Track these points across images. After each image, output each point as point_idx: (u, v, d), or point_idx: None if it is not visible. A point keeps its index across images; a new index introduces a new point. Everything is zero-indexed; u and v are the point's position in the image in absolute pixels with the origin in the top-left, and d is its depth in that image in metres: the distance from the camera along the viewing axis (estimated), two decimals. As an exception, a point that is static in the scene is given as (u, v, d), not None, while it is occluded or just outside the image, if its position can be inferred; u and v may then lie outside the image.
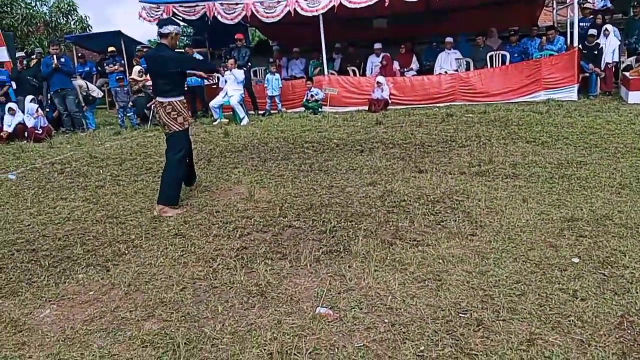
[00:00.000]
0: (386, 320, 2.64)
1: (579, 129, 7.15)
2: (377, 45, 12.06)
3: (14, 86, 10.80)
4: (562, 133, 6.92)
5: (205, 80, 8.18)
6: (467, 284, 2.95)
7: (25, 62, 12.72)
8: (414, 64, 12.09)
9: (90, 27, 21.71)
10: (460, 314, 2.65)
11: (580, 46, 10.20)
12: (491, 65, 11.21)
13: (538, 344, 2.36)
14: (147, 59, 5.14)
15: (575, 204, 4.16)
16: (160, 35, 4.86)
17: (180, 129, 4.81)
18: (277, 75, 11.36)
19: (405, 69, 11.85)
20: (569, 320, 2.54)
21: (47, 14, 20.34)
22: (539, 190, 4.57)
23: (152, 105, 10.46)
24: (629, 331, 2.44)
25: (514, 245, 3.45)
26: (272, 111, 11.25)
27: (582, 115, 8.16)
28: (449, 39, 11.56)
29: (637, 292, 2.76)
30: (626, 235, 3.50)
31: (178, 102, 4.80)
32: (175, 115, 4.78)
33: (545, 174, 5.06)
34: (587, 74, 10.41)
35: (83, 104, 10.57)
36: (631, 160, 5.38)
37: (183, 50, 11.40)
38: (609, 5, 12.02)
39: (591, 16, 11.60)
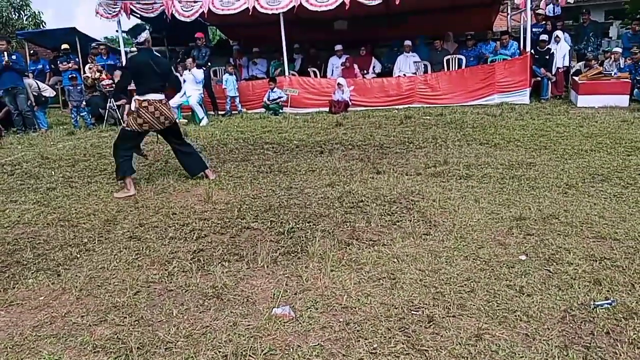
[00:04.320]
0: (341, 320, 2.68)
1: (530, 131, 7.42)
2: (338, 47, 12.17)
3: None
4: (514, 135, 7.16)
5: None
6: (420, 282, 3.03)
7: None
8: (377, 66, 12.25)
9: (43, 23, 21.02)
10: (412, 312, 2.72)
11: (532, 51, 10.57)
12: (448, 69, 11.48)
13: (485, 338, 2.45)
14: (140, 63, 5.19)
15: (524, 204, 4.33)
16: (139, 44, 5.26)
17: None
18: (234, 77, 11.28)
19: (365, 71, 11.99)
20: (515, 315, 2.64)
21: (-2, 9, 19.58)
22: (490, 191, 4.72)
23: (113, 105, 10.26)
24: (571, 325, 2.56)
25: (465, 243, 3.56)
26: (232, 112, 11.17)
27: (533, 118, 8.47)
28: (407, 42, 11.76)
29: (579, 288, 2.90)
30: (571, 234, 3.67)
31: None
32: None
33: (497, 174, 5.24)
34: (539, 78, 10.80)
35: (34, 104, 10.20)
36: (578, 162, 5.62)
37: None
38: (560, 12, 12.51)
39: (543, 22, 12.05)
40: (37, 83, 10.62)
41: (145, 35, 5.25)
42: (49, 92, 10.88)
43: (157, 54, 5.57)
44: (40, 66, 14.22)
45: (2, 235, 4.20)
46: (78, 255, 3.69)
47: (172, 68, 5.88)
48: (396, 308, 2.75)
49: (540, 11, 12.45)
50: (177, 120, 10.12)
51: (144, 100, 5.23)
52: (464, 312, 2.69)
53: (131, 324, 2.74)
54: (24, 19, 20.39)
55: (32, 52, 14.98)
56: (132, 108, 5.29)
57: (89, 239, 4.00)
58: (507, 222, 3.94)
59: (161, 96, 5.35)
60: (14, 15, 20.10)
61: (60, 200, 5.11)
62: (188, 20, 11.13)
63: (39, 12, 20.47)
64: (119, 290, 3.13)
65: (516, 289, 2.91)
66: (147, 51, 5.36)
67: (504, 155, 6.08)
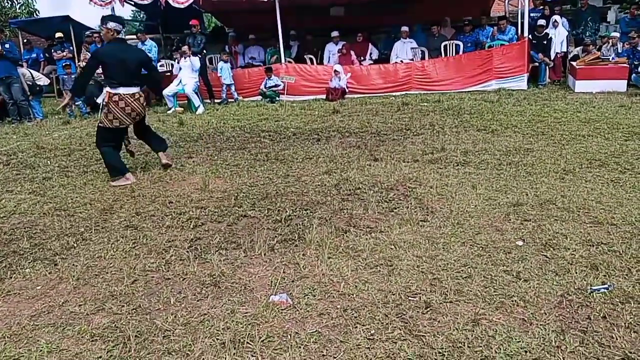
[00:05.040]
0: (338, 306, 2.69)
1: (527, 117, 7.40)
2: (335, 33, 12.08)
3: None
4: (512, 121, 7.15)
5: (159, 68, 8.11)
6: (417, 269, 3.03)
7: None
8: (374, 53, 12.17)
9: (37, 12, 20.80)
10: (409, 298, 2.72)
11: (530, 36, 10.51)
12: (445, 55, 11.41)
13: (482, 323, 2.46)
14: (106, 55, 5.09)
15: (521, 190, 4.32)
16: (118, 32, 5.17)
17: None
18: (229, 64, 11.19)
19: (362, 58, 11.92)
20: (512, 301, 2.65)
21: (-10, -3, 19.37)
22: (487, 177, 4.72)
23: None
24: (568, 309, 2.57)
25: (462, 230, 3.56)
26: (228, 100, 11.11)
27: (531, 104, 8.45)
28: (404, 28, 11.68)
29: (576, 273, 2.90)
30: (568, 219, 3.67)
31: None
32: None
33: (494, 161, 5.23)
34: (537, 64, 10.76)
35: (29, 94, 10.13)
36: (575, 147, 5.61)
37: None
38: (559, -4, 12.43)
39: (541, 7, 11.96)
40: (31, 72, 10.52)
41: (112, 25, 5.09)
42: (43, 81, 10.80)
43: (132, 46, 5.45)
44: (34, 55, 14.11)
45: (-2, 225, 4.19)
46: (75, 245, 3.68)
47: (152, 64, 5.73)
48: (393, 294, 2.76)
49: (538, -5, 12.34)
50: (174, 109, 10.11)
51: (115, 94, 5.07)
52: (461, 297, 2.69)
53: (129, 312, 2.74)
54: (17, 7, 20.18)
55: (25, 40, 14.84)
56: (103, 102, 5.15)
57: (86, 228, 3.99)
58: (504, 208, 3.93)
59: (134, 90, 5.18)
60: (6, 4, 19.89)
61: (57, 190, 5.08)
62: (182, 6, 11.01)
63: (31, 0, 20.23)
64: (116, 279, 3.12)
65: (513, 275, 2.91)
66: (118, 42, 5.21)
67: (502, 141, 6.07)
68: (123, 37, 5.31)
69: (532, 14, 11.26)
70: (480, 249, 3.25)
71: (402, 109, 8.77)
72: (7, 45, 9.82)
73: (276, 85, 10.94)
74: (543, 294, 2.71)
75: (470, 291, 2.75)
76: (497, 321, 2.48)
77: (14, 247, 3.73)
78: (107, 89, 5.14)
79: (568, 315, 2.52)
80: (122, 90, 5.10)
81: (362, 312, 2.62)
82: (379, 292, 2.80)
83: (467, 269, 3.00)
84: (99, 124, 5.27)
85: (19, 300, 2.96)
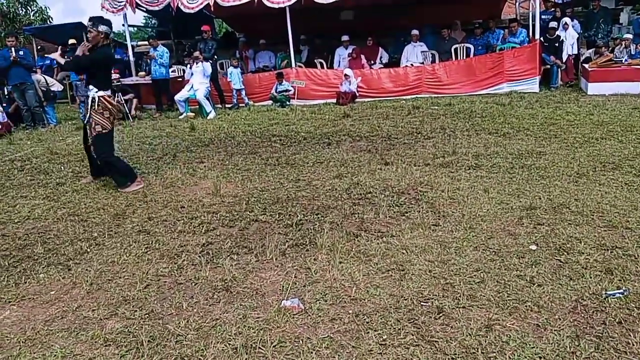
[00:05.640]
0: (350, 311, 2.68)
1: (539, 120, 7.35)
2: (345, 37, 12.10)
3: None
4: (524, 124, 7.10)
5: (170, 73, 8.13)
6: (429, 273, 3.01)
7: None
8: (384, 56, 12.17)
9: (50, 19, 21.06)
10: (422, 303, 2.71)
11: (541, 39, 10.44)
12: (456, 58, 11.37)
13: (496, 329, 2.44)
14: (108, 57, 5.27)
15: (534, 193, 4.29)
16: (107, 36, 5.19)
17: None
18: (239, 69, 11.25)
19: (372, 62, 11.91)
20: (526, 306, 2.62)
21: (5, 4, 19.62)
22: (499, 180, 4.69)
23: (121, 99, 10.29)
24: (583, 315, 2.54)
25: (474, 234, 3.53)
26: (239, 105, 11.16)
27: (543, 107, 8.39)
28: (414, 32, 11.67)
29: (591, 277, 2.87)
30: (582, 223, 3.63)
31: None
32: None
33: (506, 164, 5.20)
34: (549, 66, 10.68)
35: (43, 100, 10.25)
36: (589, 150, 5.56)
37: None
38: (570, -2, 12.35)
39: (553, 9, 11.89)
40: (45, 78, 10.66)
41: (104, 28, 5.09)
42: (56, 87, 10.94)
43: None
44: (47, 61, 14.27)
45: (13, 231, 4.24)
46: (88, 250, 3.72)
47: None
48: (405, 299, 2.75)
49: (549, -3, 12.27)
50: (186, 114, 10.18)
51: (109, 96, 5.23)
52: (473, 303, 2.68)
53: (141, 317, 2.76)
54: (31, 14, 20.44)
55: (39, 47, 15.05)
56: (101, 107, 5.12)
57: (99, 233, 4.03)
58: (517, 212, 3.90)
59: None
60: (21, 11, 20.16)
61: (70, 195, 5.14)
62: (192, 12, 11.10)
63: (45, 7, 20.54)
64: (129, 284, 3.14)
65: (527, 279, 2.89)
66: (108, 47, 5.33)
67: (514, 144, 6.03)
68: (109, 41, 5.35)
69: (543, 16, 11.19)
70: (493, 253, 3.23)
71: (412, 113, 8.75)
72: (21, 52, 9.95)
73: (287, 90, 10.97)
74: (557, 299, 2.68)
75: (483, 296, 2.73)
76: (511, 326, 2.46)
77: (28, 252, 3.77)
78: (103, 92, 5.13)
79: (583, 321, 2.49)
80: (109, 92, 5.28)
81: (374, 317, 2.61)
82: (390, 297, 2.79)
83: (480, 273, 2.98)
84: (102, 132, 5.14)
85: (34, 305, 2.99)
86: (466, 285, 2.85)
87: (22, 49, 10.49)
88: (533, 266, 3.04)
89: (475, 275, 2.96)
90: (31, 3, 20.32)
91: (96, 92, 5.10)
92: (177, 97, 10.54)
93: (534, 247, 3.31)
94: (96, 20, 5.13)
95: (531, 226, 3.63)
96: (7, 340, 2.64)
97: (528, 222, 3.70)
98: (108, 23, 5.21)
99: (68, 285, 3.19)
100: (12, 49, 9.81)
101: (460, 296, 2.74)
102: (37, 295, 3.10)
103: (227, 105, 11.18)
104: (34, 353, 2.51)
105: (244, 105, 11.21)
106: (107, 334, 2.61)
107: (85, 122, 5.26)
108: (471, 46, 11.40)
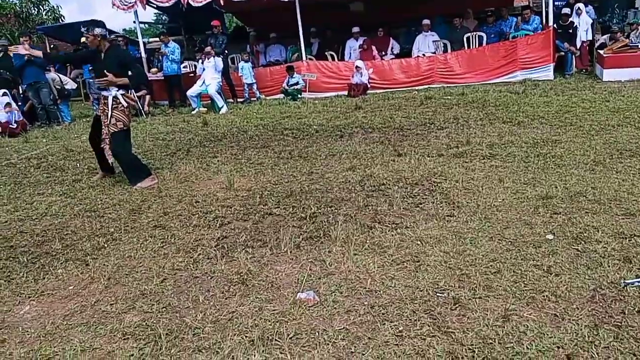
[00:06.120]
0: (365, 303, 2.68)
1: (554, 107, 7.25)
2: (355, 29, 12.04)
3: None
4: (538, 112, 7.01)
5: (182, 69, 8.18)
6: (444, 264, 3.00)
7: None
8: (395, 47, 12.09)
9: (62, 18, 21.24)
10: (437, 294, 2.70)
11: (555, 25, 10.29)
12: (468, 47, 11.25)
13: (513, 319, 2.42)
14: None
15: (550, 182, 4.24)
16: (104, 37, 5.22)
17: None
18: (250, 64, 11.26)
19: (383, 53, 11.84)
20: (543, 296, 2.60)
21: (18, 4, 19.82)
22: (514, 170, 4.64)
23: (134, 95, 10.36)
24: (601, 304, 2.51)
25: (490, 224, 3.51)
26: (251, 99, 11.18)
27: (558, 94, 8.28)
28: (426, 22, 11.57)
29: (609, 266, 2.83)
30: (599, 211, 3.58)
31: None
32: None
33: (521, 153, 5.14)
34: (563, 53, 10.52)
35: (57, 98, 10.36)
36: (605, 137, 5.48)
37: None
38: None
39: (567, -5, 11.69)
40: (60, 77, 10.76)
41: (99, 30, 5.13)
42: (70, 85, 11.04)
43: None
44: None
45: (31, 227, 4.30)
46: (105, 245, 3.76)
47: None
48: (421, 290, 2.74)
49: (563, -17, 12.06)
50: (198, 109, 10.23)
51: (126, 95, 5.30)
52: (490, 293, 2.66)
53: (159, 310, 2.79)
54: (43, 13, 20.62)
55: (52, 46, 15.20)
56: (123, 104, 5.19)
57: (115, 229, 4.07)
58: (532, 201, 3.86)
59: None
60: (33, 11, 20.34)
61: (86, 192, 5.19)
62: (200, 5, 11.08)
63: (57, 6, 20.71)
64: (146, 278, 3.17)
65: (544, 269, 2.86)
66: (116, 46, 5.49)
67: (528, 133, 5.96)
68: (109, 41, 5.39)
69: (556, 3, 11.02)
70: (509, 243, 3.20)
71: (425, 103, 8.69)
72: (35, 51, 10.04)
73: (297, 83, 10.96)
74: (575, 288, 2.65)
75: (500, 286, 2.71)
76: (528, 317, 2.44)
77: (47, 248, 3.82)
78: (122, 91, 5.21)
79: (601, 310, 2.46)
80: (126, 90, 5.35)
81: (389, 308, 2.60)
82: (406, 288, 2.78)
83: (496, 263, 2.95)
84: (121, 129, 5.21)
85: (53, 300, 3.04)
86: (482, 275, 2.83)
87: (36, 48, 10.59)
88: (550, 256, 3.01)
89: (491, 266, 2.93)
90: (43, 2, 20.48)
91: (117, 90, 5.16)
92: (189, 92, 10.58)
93: (550, 236, 3.27)
94: (90, 25, 5.20)
95: (547, 215, 3.59)
96: (28, 334, 2.69)
97: (544, 212, 3.66)
98: (101, 25, 5.28)
99: (86, 280, 3.23)
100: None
101: (476, 287, 2.72)
102: (56, 291, 3.15)
103: (238, 100, 11.21)
104: (54, 347, 2.55)
105: (255, 99, 11.23)
106: (125, 327, 2.65)
107: (103, 120, 5.26)
108: (484, 34, 11.27)
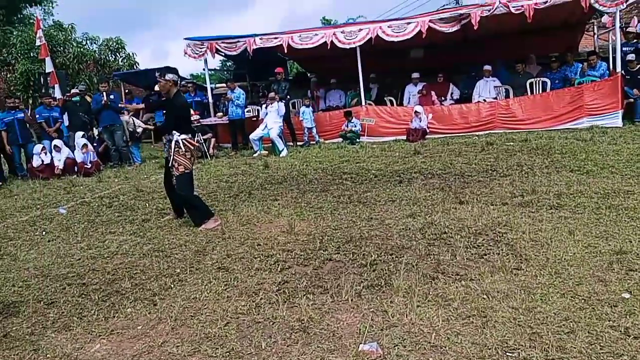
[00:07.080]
0: (431, 359, 2.61)
1: (624, 156, 6.95)
2: (415, 75, 12.16)
3: (66, 122, 11.29)
4: (608, 161, 6.74)
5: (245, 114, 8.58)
6: (513, 321, 2.89)
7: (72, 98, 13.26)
8: (455, 92, 12.07)
9: (137, 64, 22.66)
10: (507, 353, 2.59)
11: (623, 71, 9.98)
12: (531, 93, 11.06)
13: (590, 386, 2.29)
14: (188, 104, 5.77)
15: (624, 236, 4.03)
16: (175, 83, 5.57)
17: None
18: (310, 108, 11.56)
19: (443, 98, 11.84)
20: (622, 360, 2.45)
21: (97, 52, 21.35)
22: (585, 222, 4.45)
23: (200, 139, 10.83)
24: (688, 373, 2.33)
25: (561, 280, 3.36)
26: (310, 142, 11.41)
27: (628, 142, 7.94)
28: (487, 67, 11.50)
29: (695, 331, 2.64)
30: (681, 269, 3.36)
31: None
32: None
33: (592, 204, 4.93)
34: (632, 100, 10.14)
35: (129, 140, 10.99)
36: (683, 189, 5.18)
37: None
38: (653, 28, 11.77)
39: (635, 40, 11.36)
40: (133, 120, 11.43)
41: (171, 76, 5.52)
42: (142, 129, 11.69)
43: None
44: (134, 104, 15.31)
45: (102, 265, 4.51)
46: (172, 285, 3.88)
47: None
48: (489, 349, 2.64)
49: (630, 29, 11.77)
50: (259, 152, 10.54)
51: (190, 138, 5.54)
52: (564, 355, 2.52)
53: (223, 355, 2.82)
54: (120, 60, 22.08)
55: (127, 90, 16.21)
56: (183, 149, 5.42)
57: (181, 270, 4.20)
58: (606, 256, 3.68)
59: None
60: (110, 58, 21.84)
61: (155, 232, 5.41)
62: (266, 45, 11.54)
63: (133, 53, 22.09)
64: (210, 321, 3.24)
65: (621, 330, 2.70)
66: (181, 94, 5.80)
67: (598, 182, 5.72)
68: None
69: (624, 48, 10.70)
70: (582, 301, 3.05)
71: (486, 149, 8.56)
72: (112, 96, 10.78)
73: (356, 127, 11.11)
74: (658, 354, 2.48)
75: (574, 348, 2.57)
76: (607, 383, 2.30)
77: (117, 286, 3.99)
78: (185, 135, 5.45)
79: (689, 380, 2.28)
80: (190, 135, 5.60)
81: (455, 365, 2.52)
82: (473, 345, 2.69)
83: (569, 323, 2.81)
84: (184, 172, 5.44)
85: (122, 340, 3.14)
86: (554, 335, 2.70)
87: (112, 92, 11.35)
88: (627, 316, 2.84)
89: (564, 325, 2.80)
90: (120, 49, 21.97)
91: (179, 135, 5.42)
92: (251, 136, 10.95)
93: (627, 295, 3.09)
94: (163, 71, 5.67)
95: (622, 272, 3.41)
96: (99, 372, 2.78)
97: (619, 268, 3.47)
98: (175, 71, 5.72)
99: (154, 321, 3.33)
100: (104, 93, 10.64)
101: (549, 347, 2.59)
102: (125, 330, 3.26)
103: (298, 143, 11.46)
104: (123, 386, 2.63)
105: (314, 142, 11.44)
106: (190, 370, 2.69)
107: (168, 163, 5.57)
108: (547, 80, 11.06)
